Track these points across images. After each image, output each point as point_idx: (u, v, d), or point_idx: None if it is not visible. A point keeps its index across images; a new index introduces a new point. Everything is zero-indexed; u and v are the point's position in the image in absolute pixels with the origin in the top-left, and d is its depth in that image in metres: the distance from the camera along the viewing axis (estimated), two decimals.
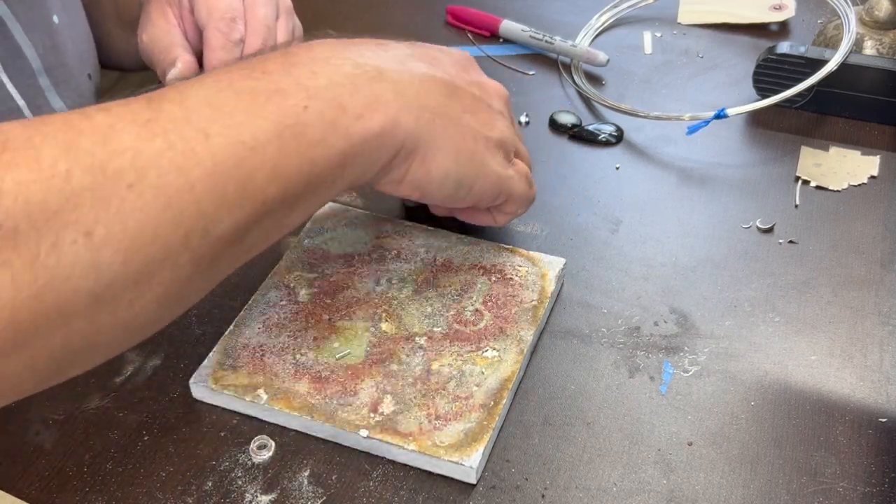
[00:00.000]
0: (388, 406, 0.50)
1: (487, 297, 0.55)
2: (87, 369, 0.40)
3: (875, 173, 0.67)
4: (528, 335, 0.53)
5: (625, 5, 0.83)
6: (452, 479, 0.48)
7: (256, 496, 0.47)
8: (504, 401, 0.50)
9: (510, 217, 0.57)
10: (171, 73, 0.67)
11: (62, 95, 0.70)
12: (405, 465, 0.49)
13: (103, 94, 0.80)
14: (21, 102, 0.67)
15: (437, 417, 0.49)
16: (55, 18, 0.68)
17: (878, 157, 0.68)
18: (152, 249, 0.37)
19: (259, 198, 0.40)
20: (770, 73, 0.71)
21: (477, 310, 0.55)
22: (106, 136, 0.37)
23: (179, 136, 0.38)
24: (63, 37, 0.70)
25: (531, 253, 0.58)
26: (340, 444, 0.50)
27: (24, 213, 0.34)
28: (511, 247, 0.59)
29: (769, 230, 0.62)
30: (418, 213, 0.63)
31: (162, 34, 0.68)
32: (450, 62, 0.51)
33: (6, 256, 0.33)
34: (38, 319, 0.35)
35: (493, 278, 0.57)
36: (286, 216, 0.43)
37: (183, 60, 0.66)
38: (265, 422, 0.51)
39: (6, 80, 0.66)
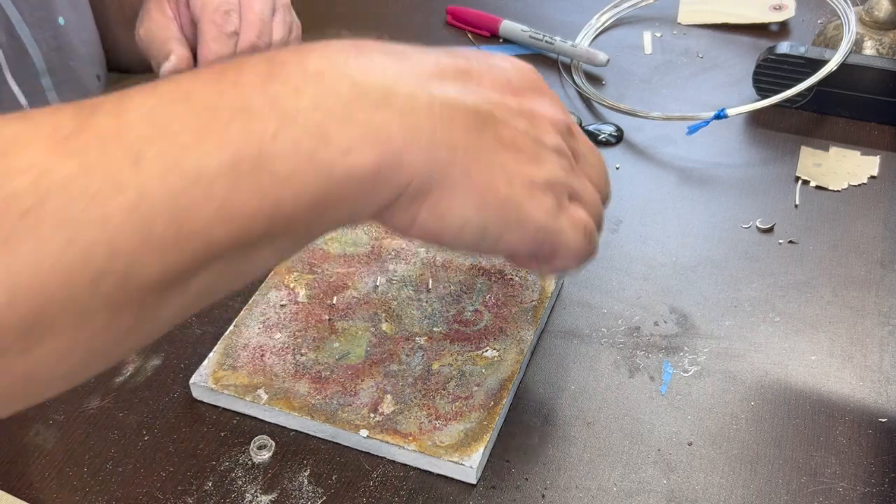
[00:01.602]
0: (388, 406, 0.50)
1: (487, 297, 0.55)
2: None
3: (875, 173, 0.67)
4: (528, 335, 0.53)
5: (625, 5, 0.83)
6: (452, 479, 0.48)
7: (256, 496, 0.47)
8: (504, 401, 0.50)
9: (559, 271, 0.47)
10: (165, 67, 0.67)
11: (63, 97, 0.70)
12: (405, 465, 0.49)
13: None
14: (24, 102, 0.67)
15: (438, 417, 0.49)
16: (61, 20, 0.69)
17: (877, 157, 0.68)
18: (48, 292, 0.30)
19: (201, 239, 0.33)
20: (770, 73, 0.71)
21: (477, 310, 0.55)
22: (6, 150, 0.31)
23: (102, 156, 0.32)
24: (70, 38, 0.70)
25: None
26: (340, 444, 0.50)
27: None
28: None
29: (769, 230, 0.62)
30: None
31: (158, 28, 0.67)
32: (493, 81, 0.41)
33: None
34: None
35: (493, 278, 0.57)
36: (245, 263, 0.36)
37: (177, 54, 0.66)
38: (265, 422, 0.51)
39: (10, 79, 0.66)
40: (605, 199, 0.47)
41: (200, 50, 0.65)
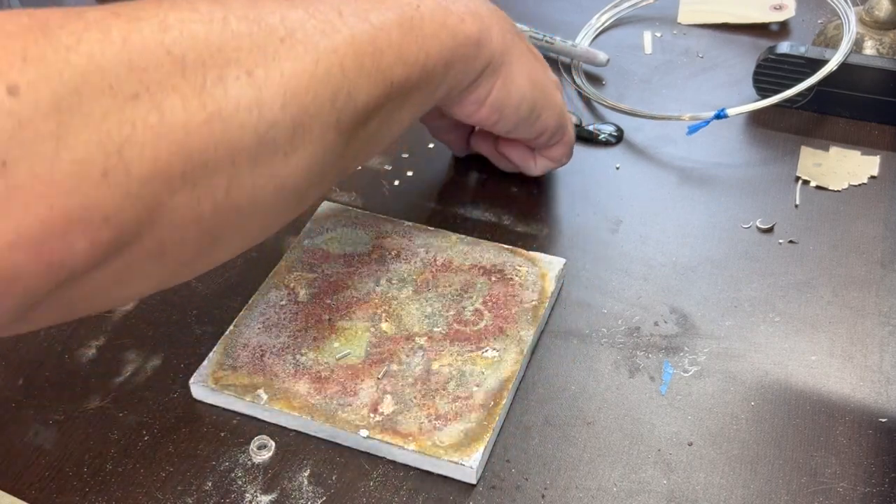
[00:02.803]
0: (388, 406, 0.50)
1: (487, 297, 0.55)
2: (231, 254, 0.43)
3: (875, 173, 0.67)
4: (528, 335, 0.53)
5: (625, 5, 0.83)
6: (452, 480, 0.48)
7: (256, 496, 0.47)
8: (504, 401, 0.50)
9: (550, 166, 0.62)
10: None
11: None
12: (405, 465, 0.49)
13: None
14: None
15: (437, 417, 0.49)
16: None
17: (878, 156, 0.68)
18: (306, 100, 0.40)
19: (388, 76, 0.44)
20: (770, 73, 0.71)
21: (477, 310, 0.55)
22: (253, 1, 0.40)
23: (317, 10, 0.42)
24: None
25: (531, 253, 0.58)
26: (340, 444, 0.50)
27: (190, 44, 0.36)
28: (511, 247, 0.59)
29: (769, 230, 0.62)
30: (419, 214, 0.63)
31: None
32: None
33: (175, 81, 0.35)
34: (207, 151, 0.36)
35: (493, 278, 0.57)
36: (400, 109, 0.47)
37: None
38: (265, 422, 0.51)
39: None
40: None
41: None
